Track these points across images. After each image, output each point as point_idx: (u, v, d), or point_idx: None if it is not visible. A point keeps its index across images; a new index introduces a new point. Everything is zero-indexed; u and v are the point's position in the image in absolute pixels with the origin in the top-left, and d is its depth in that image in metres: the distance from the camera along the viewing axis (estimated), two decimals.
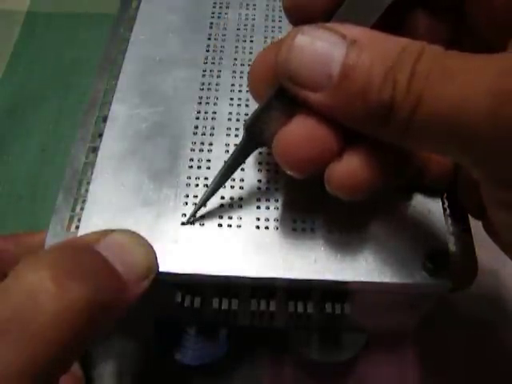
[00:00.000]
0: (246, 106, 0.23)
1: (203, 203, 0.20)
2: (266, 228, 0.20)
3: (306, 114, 0.16)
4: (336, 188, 0.17)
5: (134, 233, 0.19)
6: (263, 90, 0.17)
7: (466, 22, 0.17)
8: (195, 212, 0.20)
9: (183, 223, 0.20)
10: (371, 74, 0.14)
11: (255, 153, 0.21)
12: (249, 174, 0.21)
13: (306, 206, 0.20)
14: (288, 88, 0.16)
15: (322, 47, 0.15)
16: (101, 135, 0.22)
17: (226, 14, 0.27)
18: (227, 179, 0.20)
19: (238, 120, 0.23)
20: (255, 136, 0.18)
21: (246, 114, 0.23)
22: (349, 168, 0.16)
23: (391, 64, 0.14)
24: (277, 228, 0.20)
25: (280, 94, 0.16)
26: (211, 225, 0.20)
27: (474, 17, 0.17)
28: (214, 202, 0.20)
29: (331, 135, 0.16)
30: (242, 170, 0.21)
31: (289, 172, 0.17)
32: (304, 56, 0.15)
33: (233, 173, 0.19)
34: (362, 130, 0.15)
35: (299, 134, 0.16)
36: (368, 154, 0.16)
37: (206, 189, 0.20)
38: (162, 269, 0.18)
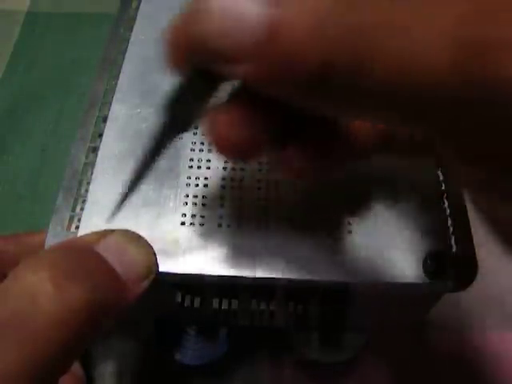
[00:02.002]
0: None
1: (125, 196, 0.18)
2: (266, 228, 0.20)
3: (234, 97, 0.14)
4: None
5: (133, 233, 0.19)
6: (181, 64, 0.15)
7: None
8: (119, 206, 0.18)
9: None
10: (299, 33, 0.11)
11: None
12: (249, 174, 0.21)
13: (306, 206, 0.20)
14: (206, 63, 0.13)
15: (240, 8, 0.12)
16: (101, 135, 0.22)
17: None
18: (150, 168, 0.17)
19: None
20: (177, 118, 0.16)
21: None
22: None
23: (323, 18, 0.11)
24: (277, 228, 0.20)
25: (196, 71, 0.14)
26: (211, 225, 0.20)
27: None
28: (214, 202, 0.20)
29: (263, 116, 0.14)
30: (242, 169, 0.21)
31: (225, 156, 0.15)
32: (220, 21, 0.12)
33: (155, 161, 0.17)
34: (295, 101, 0.13)
35: (227, 119, 0.14)
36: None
37: (205, 189, 0.20)
38: (161, 269, 0.18)
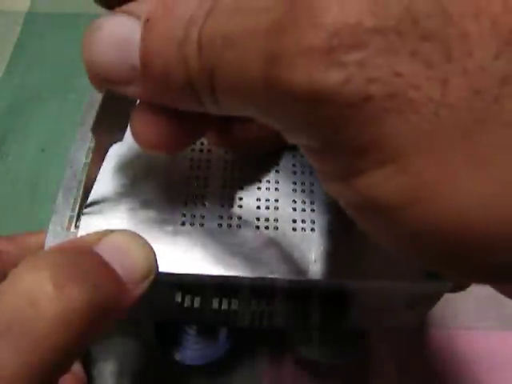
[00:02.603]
0: None
1: (80, 210, 0.20)
2: (266, 228, 0.20)
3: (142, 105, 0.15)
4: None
5: (133, 233, 0.19)
6: (97, 86, 0.16)
7: None
8: (76, 220, 0.20)
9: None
10: (165, 54, 0.12)
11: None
12: (248, 174, 0.21)
13: (307, 206, 0.20)
14: (102, 87, 0.15)
15: (120, 35, 0.13)
16: None
17: None
18: (93, 181, 0.19)
19: None
20: (104, 135, 0.18)
21: None
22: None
23: (182, 36, 0.12)
24: (277, 228, 0.20)
25: (108, 93, 0.15)
26: (211, 225, 0.20)
27: None
28: (214, 202, 0.20)
29: (171, 117, 0.15)
30: (242, 170, 0.21)
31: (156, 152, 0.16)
32: (104, 50, 0.13)
33: (96, 175, 0.19)
34: (185, 109, 0.14)
35: (141, 124, 0.15)
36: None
37: (205, 189, 0.20)
38: (161, 269, 0.18)
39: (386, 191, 0.11)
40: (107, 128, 0.17)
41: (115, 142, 0.18)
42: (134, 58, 0.13)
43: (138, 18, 0.13)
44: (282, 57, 0.11)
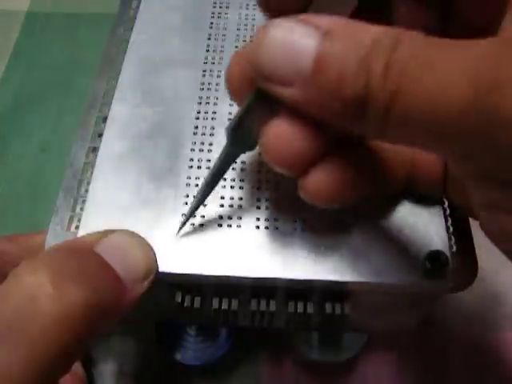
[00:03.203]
0: None
1: (191, 214, 0.19)
2: (266, 228, 0.20)
3: (289, 112, 0.15)
4: (306, 197, 0.17)
5: (133, 233, 0.19)
6: (242, 90, 0.17)
7: (451, 8, 0.17)
8: (184, 224, 0.19)
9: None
10: (344, 66, 0.13)
11: (256, 153, 0.22)
12: (249, 174, 0.21)
13: (307, 206, 0.20)
14: (262, 85, 0.15)
15: (294, 40, 0.14)
16: (101, 135, 0.22)
17: (226, 14, 0.27)
18: (214, 187, 0.19)
19: None
20: (239, 139, 0.17)
21: None
22: (318, 179, 0.16)
23: (365, 54, 0.13)
24: (277, 228, 0.20)
25: (259, 94, 0.16)
26: (211, 225, 0.20)
27: (459, 2, 0.16)
28: (214, 202, 0.20)
29: (312, 134, 0.15)
30: (242, 170, 0.21)
31: (278, 170, 0.16)
32: (275, 50, 0.14)
33: (219, 181, 0.19)
34: (339, 125, 0.15)
35: (280, 132, 0.15)
36: (340, 164, 0.16)
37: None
38: (161, 269, 0.18)
39: None
40: (245, 132, 0.17)
41: (249, 149, 0.18)
42: (304, 62, 0.14)
43: (315, 27, 0.14)
44: (500, 85, 0.11)
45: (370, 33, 0.13)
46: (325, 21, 0.14)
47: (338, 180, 0.16)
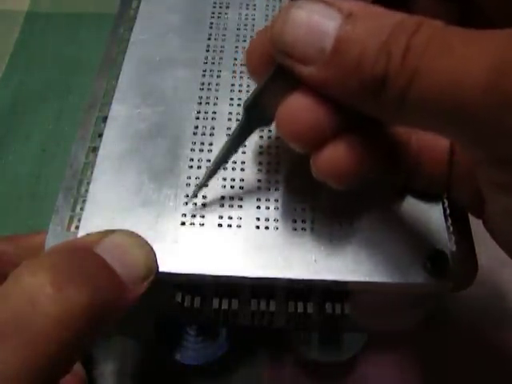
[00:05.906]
0: None
1: (204, 183, 0.20)
2: (266, 228, 0.20)
3: (307, 88, 0.16)
4: (319, 174, 0.17)
5: (133, 233, 0.19)
6: (261, 68, 0.17)
7: (472, 4, 0.17)
8: (196, 192, 0.20)
9: (186, 203, 0.20)
10: (364, 48, 0.14)
11: (256, 152, 0.22)
12: (249, 174, 0.21)
13: (307, 206, 0.20)
14: (283, 62, 0.16)
15: (317, 20, 0.14)
16: (101, 135, 0.22)
17: (226, 14, 0.27)
18: (227, 161, 0.20)
19: (238, 120, 0.23)
20: (255, 115, 0.18)
21: None
22: (331, 155, 0.16)
23: (386, 37, 0.13)
24: (277, 228, 0.20)
25: (278, 71, 0.16)
26: (211, 225, 0.20)
27: None
28: (214, 202, 0.20)
29: (329, 110, 0.16)
30: (242, 170, 0.21)
31: (291, 145, 0.16)
32: (298, 29, 0.15)
33: (232, 154, 0.20)
34: (355, 106, 0.15)
35: (298, 105, 0.16)
36: (355, 142, 0.16)
37: (205, 189, 0.20)
38: (161, 269, 0.18)
39: None
40: (262, 108, 0.17)
41: (265, 125, 0.18)
42: (327, 41, 0.14)
43: (338, 10, 0.14)
44: None
45: (390, 18, 0.14)
46: (348, 4, 0.14)
47: (350, 156, 0.16)
